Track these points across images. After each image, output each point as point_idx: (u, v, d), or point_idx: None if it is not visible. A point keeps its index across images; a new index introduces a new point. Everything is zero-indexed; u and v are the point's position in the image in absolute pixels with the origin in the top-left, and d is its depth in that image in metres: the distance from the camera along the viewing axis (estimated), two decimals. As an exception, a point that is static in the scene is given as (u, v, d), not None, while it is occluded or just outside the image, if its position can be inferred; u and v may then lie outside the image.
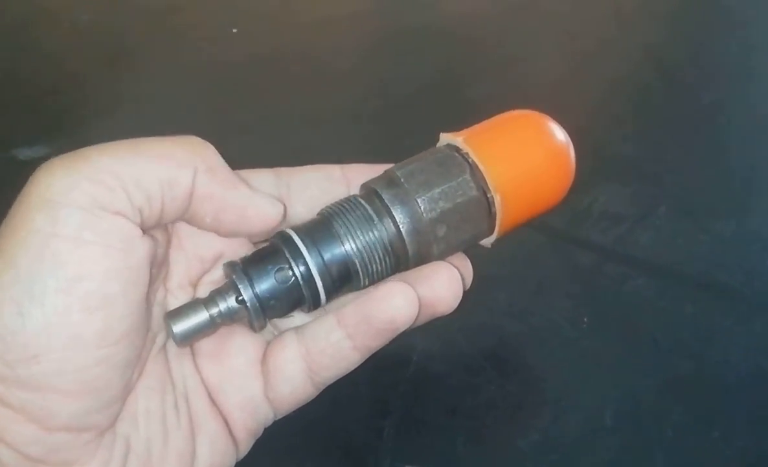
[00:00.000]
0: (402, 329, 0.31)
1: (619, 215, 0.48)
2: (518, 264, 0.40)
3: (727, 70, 0.63)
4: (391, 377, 0.39)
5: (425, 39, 0.69)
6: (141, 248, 0.28)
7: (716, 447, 0.36)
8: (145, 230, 0.29)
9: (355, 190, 0.35)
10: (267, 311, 0.31)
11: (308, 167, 0.36)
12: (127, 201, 0.28)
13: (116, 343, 0.27)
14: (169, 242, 0.32)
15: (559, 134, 0.35)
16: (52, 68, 0.67)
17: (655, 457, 0.36)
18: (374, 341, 0.31)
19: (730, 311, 0.42)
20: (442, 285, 0.32)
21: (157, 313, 0.32)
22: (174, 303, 0.32)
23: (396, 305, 0.30)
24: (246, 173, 0.33)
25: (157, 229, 0.31)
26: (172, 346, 0.33)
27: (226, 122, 0.58)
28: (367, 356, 0.32)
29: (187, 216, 0.31)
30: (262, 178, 0.34)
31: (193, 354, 0.33)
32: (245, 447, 0.33)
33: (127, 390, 0.30)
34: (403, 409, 0.38)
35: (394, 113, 0.59)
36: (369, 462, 0.36)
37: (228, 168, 0.31)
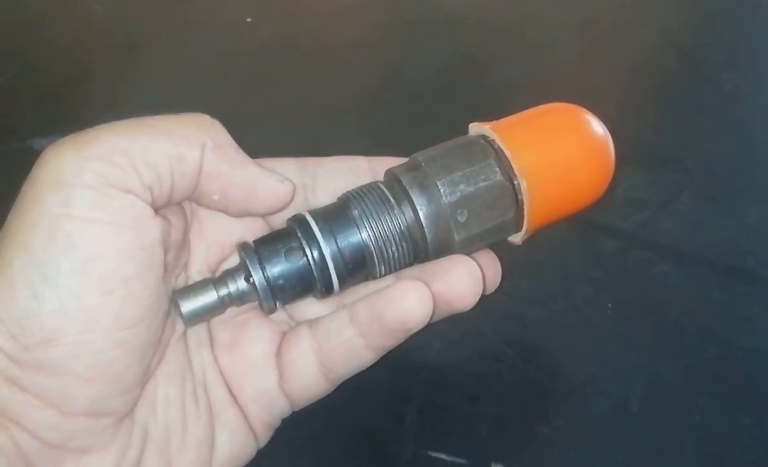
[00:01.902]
0: (415, 329, 0.30)
1: (642, 201, 0.47)
2: (541, 251, 0.39)
3: (748, 55, 0.62)
4: (413, 363, 0.39)
5: (440, 26, 0.68)
6: (153, 228, 0.28)
7: (747, 432, 0.35)
8: (156, 209, 0.28)
9: None
10: (277, 294, 0.30)
11: (334, 158, 0.35)
12: (137, 179, 0.27)
13: (134, 326, 0.27)
14: (188, 228, 0.32)
15: (597, 126, 0.34)
16: (66, 60, 0.67)
17: (683, 443, 0.35)
18: (387, 341, 0.31)
19: (757, 297, 0.42)
20: (461, 281, 0.30)
21: None
22: None
23: (409, 305, 0.29)
24: (269, 162, 0.33)
25: (170, 210, 0.30)
26: (191, 334, 0.32)
27: (239, 112, 0.58)
28: (381, 354, 0.31)
29: (195, 194, 0.30)
30: (286, 167, 0.34)
31: (212, 344, 0.33)
32: (264, 438, 0.33)
33: (146, 376, 0.29)
34: (425, 396, 0.38)
35: (410, 102, 0.59)
36: (391, 448, 0.36)
37: (236, 146, 0.30)
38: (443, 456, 0.35)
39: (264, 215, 0.33)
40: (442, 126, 0.57)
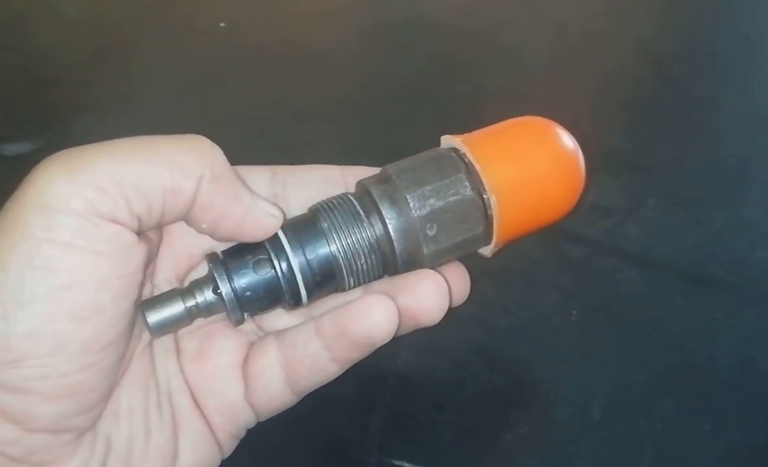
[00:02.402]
0: (380, 343, 0.30)
1: (609, 208, 0.48)
2: (507, 257, 0.39)
3: (719, 63, 0.63)
4: (378, 372, 0.39)
5: (415, 32, 0.68)
6: (136, 256, 0.28)
7: (706, 439, 0.36)
8: (141, 233, 0.28)
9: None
10: (244, 305, 0.30)
11: (306, 166, 0.35)
12: (126, 209, 0.27)
13: (103, 350, 0.27)
14: (161, 240, 0.32)
15: (567, 140, 0.34)
16: (39, 63, 0.67)
17: (644, 450, 0.35)
18: (352, 354, 0.31)
19: (721, 303, 0.42)
20: (427, 295, 0.30)
21: None
22: None
23: (373, 319, 0.29)
24: (241, 170, 0.32)
25: (154, 230, 0.30)
26: (157, 344, 0.32)
27: (214, 115, 0.58)
28: (346, 367, 0.31)
29: (184, 220, 0.30)
30: (257, 175, 0.33)
31: (178, 354, 0.33)
32: (229, 448, 0.33)
33: (111, 391, 0.29)
34: (390, 404, 0.38)
35: (384, 108, 0.59)
36: (355, 457, 0.36)
37: (233, 175, 0.30)
38: (407, 465, 0.35)
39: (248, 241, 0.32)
40: (415, 132, 0.57)
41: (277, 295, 0.31)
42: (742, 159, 0.52)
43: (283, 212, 0.31)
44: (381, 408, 0.38)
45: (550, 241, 0.45)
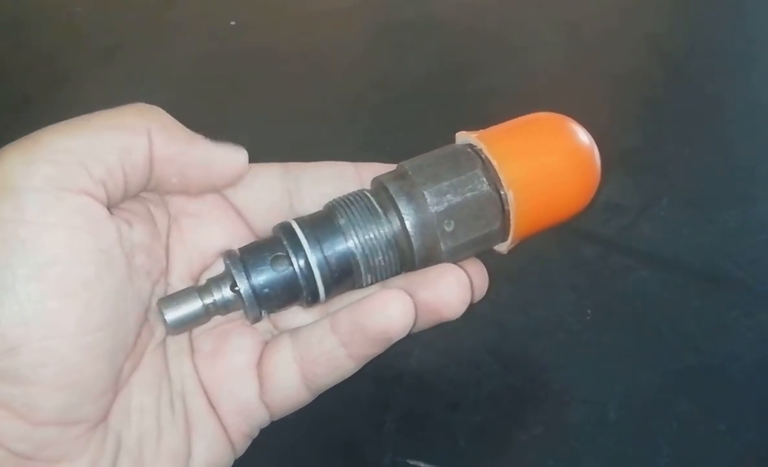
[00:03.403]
0: (397, 338, 0.30)
1: (623, 207, 0.48)
2: (521, 256, 0.39)
3: (731, 60, 0.63)
4: (392, 370, 0.39)
5: (425, 31, 0.68)
6: (108, 228, 0.28)
7: (722, 439, 0.36)
8: (111, 207, 0.28)
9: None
10: (262, 302, 0.30)
11: (320, 163, 0.35)
12: (87, 177, 0.27)
13: (99, 330, 0.27)
14: (161, 229, 0.32)
15: (583, 136, 0.34)
16: (44, 64, 0.66)
17: (660, 450, 0.35)
18: (369, 350, 0.30)
19: (736, 303, 0.42)
20: (449, 289, 0.30)
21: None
22: None
23: (390, 314, 0.29)
24: (253, 168, 0.32)
25: (131, 211, 0.30)
26: (171, 342, 0.32)
27: (225, 115, 0.58)
28: (363, 363, 0.31)
29: (152, 184, 0.30)
30: (270, 171, 0.33)
31: (192, 353, 0.32)
32: (242, 448, 0.33)
33: (118, 382, 0.29)
34: (404, 403, 0.38)
35: (394, 107, 0.59)
36: (370, 457, 0.36)
37: (182, 127, 0.30)
38: (422, 464, 0.35)
39: (224, 188, 0.32)
40: (426, 131, 0.57)
41: (295, 292, 0.31)
42: (755, 157, 0.52)
43: (246, 151, 0.32)
44: (395, 407, 0.37)
45: (564, 240, 0.45)
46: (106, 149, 0.28)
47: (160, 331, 0.31)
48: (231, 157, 0.31)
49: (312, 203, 0.33)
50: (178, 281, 0.32)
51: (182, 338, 0.32)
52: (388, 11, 0.71)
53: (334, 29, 0.69)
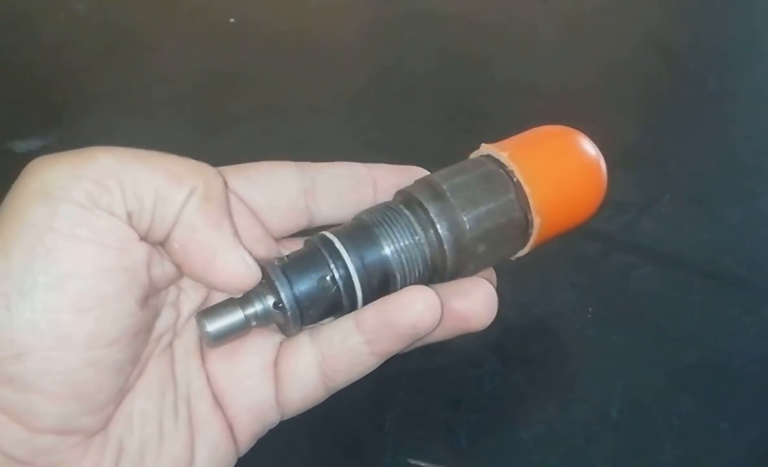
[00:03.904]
0: (423, 334, 0.31)
1: (624, 203, 0.47)
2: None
3: (733, 56, 0.62)
4: (392, 369, 0.38)
5: (427, 25, 0.68)
6: (138, 251, 0.27)
7: (725, 437, 0.36)
8: (140, 235, 0.28)
9: (381, 190, 0.34)
10: (305, 318, 0.31)
11: (334, 163, 0.35)
12: (122, 204, 0.27)
13: (108, 346, 0.27)
14: (169, 274, 0.31)
15: (592, 150, 0.35)
16: (48, 60, 0.67)
17: (662, 448, 0.35)
18: (395, 346, 0.31)
19: (738, 300, 0.42)
20: (481, 301, 0.32)
21: (168, 313, 0.31)
22: (187, 302, 0.32)
23: (418, 309, 0.30)
24: (270, 165, 0.33)
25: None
26: (179, 345, 0.32)
27: (225, 111, 0.58)
28: (383, 360, 0.32)
29: (164, 242, 0.29)
30: (286, 171, 0.33)
31: (202, 355, 0.32)
32: (246, 447, 0.33)
33: (122, 393, 0.29)
34: (405, 402, 0.38)
35: (396, 101, 0.59)
36: (370, 456, 0.36)
37: (225, 206, 0.29)
38: (422, 464, 0.35)
39: (219, 291, 0.31)
40: (428, 126, 0.57)
41: (335, 307, 0.31)
42: (757, 154, 0.51)
43: (259, 273, 0.30)
44: (396, 406, 0.37)
45: (566, 238, 0.45)
46: (147, 189, 0.27)
47: (166, 337, 0.31)
48: (234, 264, 0.29)
49: (327, 203, 0.34)
50: (191, 288, 0.32)
51: (191, 340, 0.32)
52: (390, 5, 0.71)
53: (335, 24, 0.69)
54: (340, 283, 0.31)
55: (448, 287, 0.32)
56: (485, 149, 0.35)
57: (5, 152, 0.55)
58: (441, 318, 0.31)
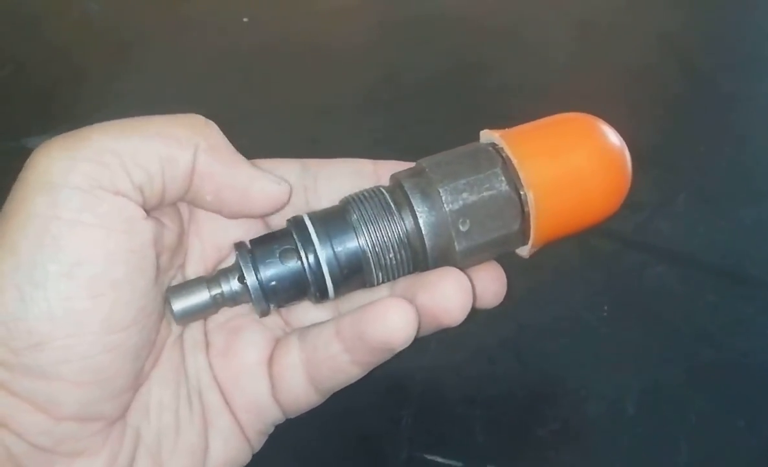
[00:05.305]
0: (399, 349, 0.29)
1: (639, 203, 0.47)
2: (537, 252, 0.39)
3: (745, 57, 0.62)
4: (408, 365, 0.39)
5: (437, 28, 0.68)
6: (144, 230, 0.27)
7: (741, 435, 0.36)
8: (148, 210, 0.28)
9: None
10: (269, 295, 0.30)
11: (338, 160, 0.35)
12: (127, 180, 0.27)
13: (124, 329, 0.27)
14: (185, 230, 0.32)
15: (612, 137, 0.32)
16: (61, 59, 0.67)
17: (678, 446, 0.35)
18: (372, 358, 0.30)
19: (752, 299, 0.42)
20: (448, 295, 0.29)
21: None
22: None
23: (391, 325, 0.28)
24: (271, 163, 0.32)
25: (163, 212, 0.30)
26: (188, 338, 0.32)
27: (234, 112, 0.58)
28: (368, 370, 0.30)
29: (189, 196, 0.30)
30: (288, 168, 0.33)
31: (207, 348, 0.32)
32: (258, 444, 0.33)
33: (139, 380, 0.29)
34: (420, 398, 0.38)
35: (407, 103, 0.59)
36: (386, 451, 0.36)
37: (231, 147, 0.30)
38: (438, 459, 0.35)
39: (259, 217, 0.32)
40: (438, 127, 0.57)
41: (303, 287, 0.30)
42: (771, 155, 0.51)
43: (290, 186, 0.31)
44: (411, 402, 0.37)
45: (580, 236, 0.45)
46: (150, 156, 0.28)
47: (177, 325, 0.31)
48: (270, 188, 0.30)
49: (328, 199, 0.33)
50: (193, 275, 0.32)
51: (197, 333, 0.32)
52: (400, 8, 0.71)
53: (347, 25, 0.69)
54: (304, 257, 0.30)
55: (419, 279, 0.30)
56: (483, 134, 0.33)
57: (20, 149, 0.55)
58: (421, 323, 0.28)
